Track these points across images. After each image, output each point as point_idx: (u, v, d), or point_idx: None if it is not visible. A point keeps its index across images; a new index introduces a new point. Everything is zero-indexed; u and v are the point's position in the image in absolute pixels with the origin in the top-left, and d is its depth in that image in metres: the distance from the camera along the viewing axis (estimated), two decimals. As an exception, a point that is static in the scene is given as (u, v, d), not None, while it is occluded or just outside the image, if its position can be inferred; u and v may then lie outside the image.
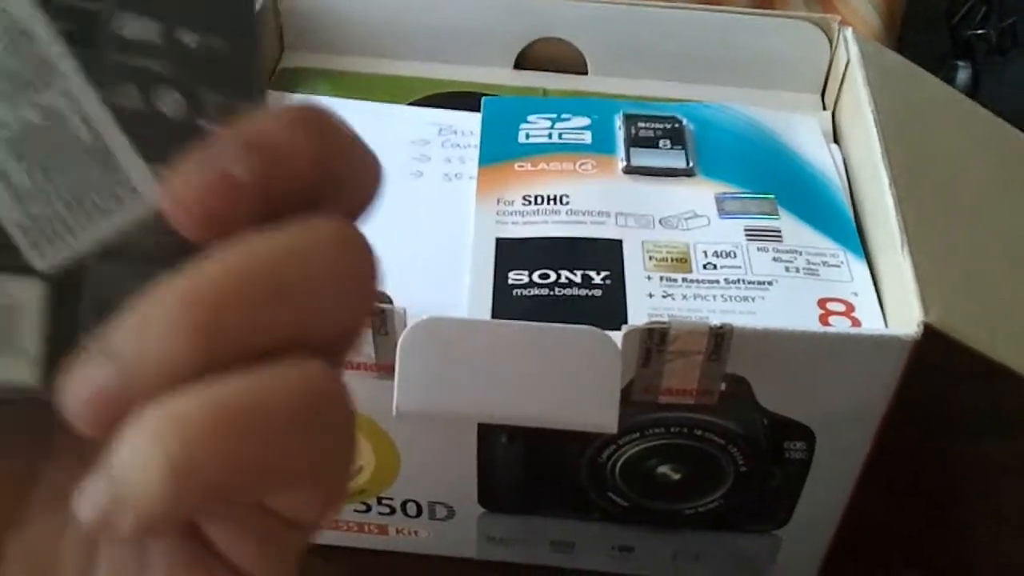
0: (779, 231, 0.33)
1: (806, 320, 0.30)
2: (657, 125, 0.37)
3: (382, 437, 0.32)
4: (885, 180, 0.32)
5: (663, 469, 0.32)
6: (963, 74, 0.75)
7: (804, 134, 0.37)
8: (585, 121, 0.37)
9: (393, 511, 0.35)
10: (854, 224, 0.34)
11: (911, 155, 0.34)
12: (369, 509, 0.35)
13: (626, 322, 0.30)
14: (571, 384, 0.28)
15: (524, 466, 0.33)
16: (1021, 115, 0.76)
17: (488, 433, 0.32)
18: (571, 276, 0.31)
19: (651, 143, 0.36)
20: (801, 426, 0.31)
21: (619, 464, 0.32)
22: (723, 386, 0.29)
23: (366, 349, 0.29)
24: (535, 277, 0.32)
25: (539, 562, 0.37)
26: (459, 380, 0.28)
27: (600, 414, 0.28)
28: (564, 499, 0.34)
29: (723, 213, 0.34)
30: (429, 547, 0.37)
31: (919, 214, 0.32)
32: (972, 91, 0.74)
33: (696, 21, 0.41)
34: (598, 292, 0.31)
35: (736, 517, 0.34)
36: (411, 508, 0.35)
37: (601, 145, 0.36)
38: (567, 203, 0.34)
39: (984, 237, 0.34)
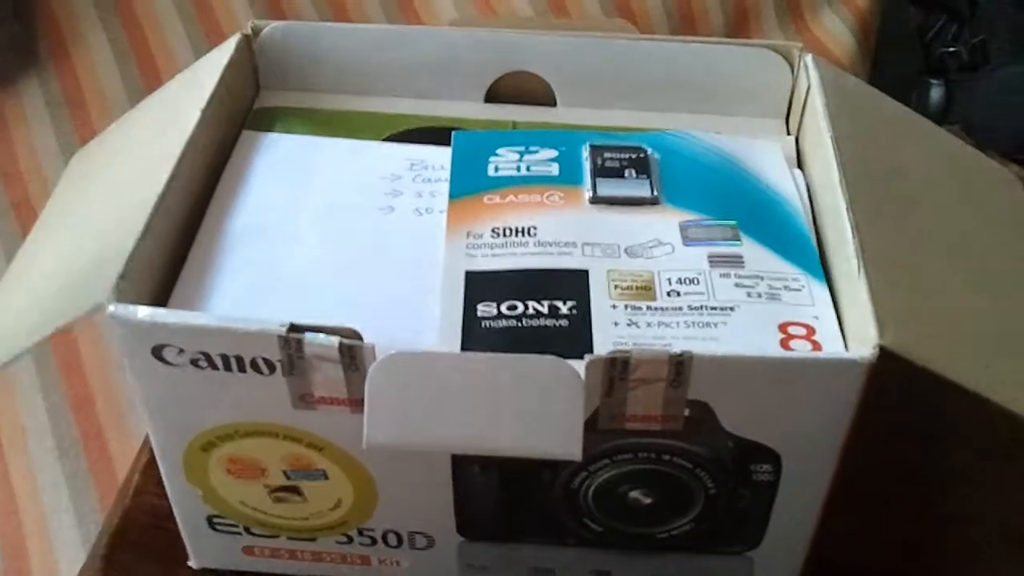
0: (741, 257, 0.34)
1: (768, 344, 0.31)
2: (623, 155, 0.37)
3: (359, 469, 0.33)
4: (842, 204, 0.33)
5: (634, 494, 0.33)
6: (936, 91, 0.76)
7: (767, 160, 0.38)
8: (553, 153, 0.38)
9: (374, 542, 0.36)
10: (815, 248, 0.35)
11: (870, 178, 0.35)
12: (350, 540, 0.36)
13: (592, 351, 0.31)
14: (536, 413, 0.28)
15: (499, 495, 0.34)
16: (993, 130, 0.77)
17: (462, 463, 0.32)
18: (538, 307, 0.32)
19: (617, 173, 0.37)
20: (766, 448, 0.31)
21: (591, 490, 0.33)
22: (687, 412, 0.30)
23: (338, 385, 0.30)
24: (503, 308, 0.32)
25: (519, 588, 0.37)
26: (427, 412, 0.29)
27: (564, 443, 0.28)
28: (541, 526, 0.35)
29: (687, 240, 0.35)
30: (411, 576, 0.37)
31: (877, 237, 0.32)
32: (946, 108, 0.75)
33: (661, 51, 0.42)
34: (565, 322, 0.32)
35: (709, 539, 0.34)
36: (392, 539, 0.36)
37: (568, 176, 0.37)
38: (535, 234, 0.35)
39: (942, 258, 0.34)
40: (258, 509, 0.35)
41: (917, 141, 0.40)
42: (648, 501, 0.33)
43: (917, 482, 0.42)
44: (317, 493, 0.34)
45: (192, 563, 0.38)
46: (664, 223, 0.35)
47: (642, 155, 0.37)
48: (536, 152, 0.38)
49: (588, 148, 0.38)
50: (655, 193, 0.36)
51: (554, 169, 0.37)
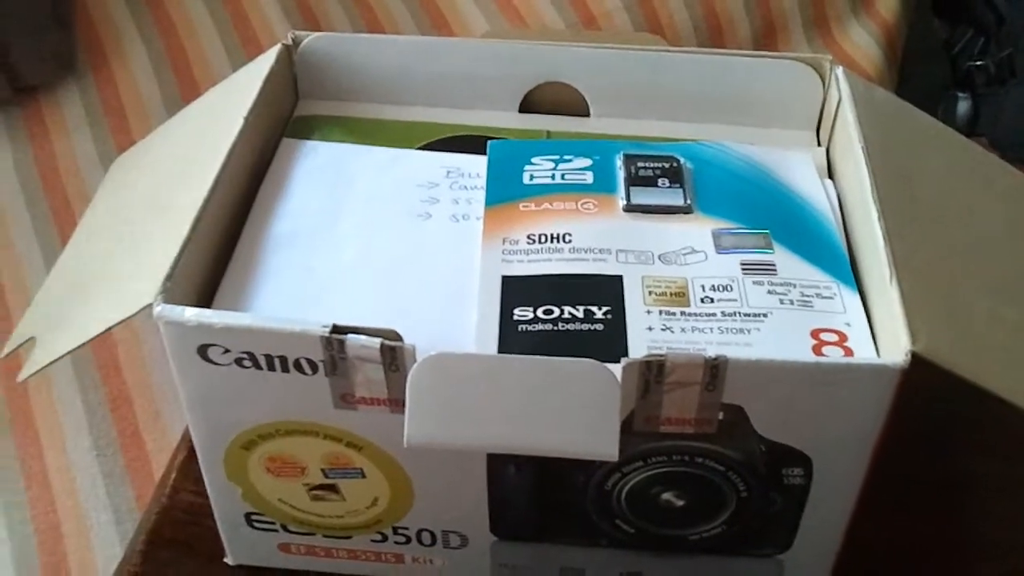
0: (774, 265, 0.34)
1: (800, 350, 0.32)
2: (656, 164, 0.38)
3: (396, 468, 0.34)
4: (874, 214, 0.33)
5: (667, 496, 0.33)
6: (963, 105, 0.77)
7: (798, 170, 0.39)
8: (587, 162, 0.39)
9: (408, 540, 0.37)
10: (847, 257, 0.35)
11: (900, 189, 0.36)
12: (385, 539, 0.37)
13: (626, 355, 0.31)
14: (573, 415, 0.29)
15: (533, 495, 0.34)
16: (1020, 143, 0.77)
17: (497, 463, 0.33)
18: (574, 311, 0.33)
19: (650, 182, 0.37)
20: (798, 452, 0.32)
21: (624, 492, 0.33)
22: (721, 415, 0.30)
23: (379, 385, 0.31)
24: (539, 312, 0.33)
25: (550, 589, 0.38)
26: (467, 412, 0.29)
27: (601, 443, 0.29)
28: (573, 526, 0.35)
29: (720, 248, 0.35)
30: (444, 575, 0.38)
31: (908, 246, 0.33)
32: (972, 121, 0.75)
33: (693, 63, 0.42)
34: (600, 326, 0.32)
35: (740, 542, 0.35)
36: (426, 537, 0.36)
37: (602, 184, 0.38)
38: (570, 241, 0.35)
39: (972, 267, 0.35)
40: (296, 507, 0.36)
41: (947, 153, 0.41)
42: (680, 503, 0.34)
43: (941, 487, 0.43)
44: (354, 491, 0.35)
45: (228, 560, 0.39)
46: (697, 231, 0.36)
47: (675, 164, 0.38)
48: (570, 161, 0.39)
49: (622, 157, 0.38)
50: (688, 202, 0.37)
51: (588, 177, 0.38)
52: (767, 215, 0.36)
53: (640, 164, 0.38)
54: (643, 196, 0.37)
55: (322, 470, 0.34)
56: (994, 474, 0.43)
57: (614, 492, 0.33)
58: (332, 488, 0.35)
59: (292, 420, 0.33)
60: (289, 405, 0.32)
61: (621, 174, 0.38)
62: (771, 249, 0.35)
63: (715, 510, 0.34)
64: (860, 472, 0.32)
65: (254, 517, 0.37)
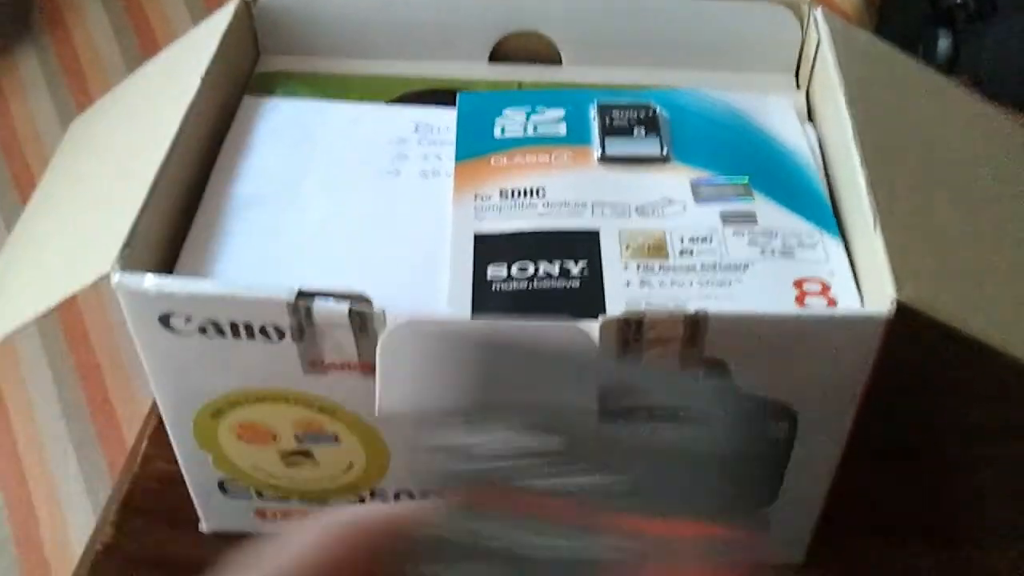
0: (754, 214, 0.33)
1: (783, 301, 0.31)
2: (631, 113, 0.37)
3: (371, 433, 0.33)
4: (856, 159, 0.32)
5: (648, 454, 0.33)
6: (943, 42, 0.75)
7: (778, 115, 0.38)
8: (560, 112, 0.37)
9: (387, 502, 0.36)
10: (829, 204, 0.34)
11: (883, 132, 0.35)
12: (363, 502, 0.36)
13: (604, 311, 0.30)
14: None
15: (512, 457, 0.33)
16: (1001, 80, 0.76)
17: (474, 426, 0.32)
18: (549, 268, 0.32)
19: (625, 131, 0.36)
20: (782, 406, 0.31)
21: (605, 451, 0.33)
22: (703, 370, 0.30)
23: (348, 350, 0.30)
24: (514, 270, 0.32)
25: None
26: (439, 378, 0.28)
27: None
28: (553, 487, 0.34)
29: (698, 199, 0.34)
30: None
31: (891, 192, 0.32)
32: (953, 58, 0.74)
33: (668, 8, 0.41)
34: (576, 283, 0.31)
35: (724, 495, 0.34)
36: (405, 499, 0.36)
37: (576, 136, 0.36)
38: (543, 195, 0.34)
39: (957, 212, 0.34)
40: (270, 473, 0.35)
41: (929, 95, 0.40)
42: (662, 461, 0.33)
43: (933, 435, 0.42)
44: (329, 457, 0.34)
45: (203, 527, 0.38)
46: (675, 181, 0.35)
47: (651, 113, 0.37)
48: (543, 112, 0.38)
49: (596, 107, 0.37)
50: (665, 151, 0.36)
51: (561, 129, 0.37)
52: (746, 162, 0.35)
53: (615, 113, 0.37)
54: (618, 146, 0.36)
55: (295, 436, 0.33)
56: (985, 421, 0.43)
57: (595, 451, 0.33)
58: (306, 454, 0.34)
59: (261, 387, 0.32)
60: (257, 372, 0.31)
61: (595, 124, 0.37)
62: (751, 198, 0.34)
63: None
64: (845, 424, 0.32)
65: (227, 484, 0.36)
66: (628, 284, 0.31)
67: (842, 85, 0.35)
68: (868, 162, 0.32)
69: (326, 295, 0.29)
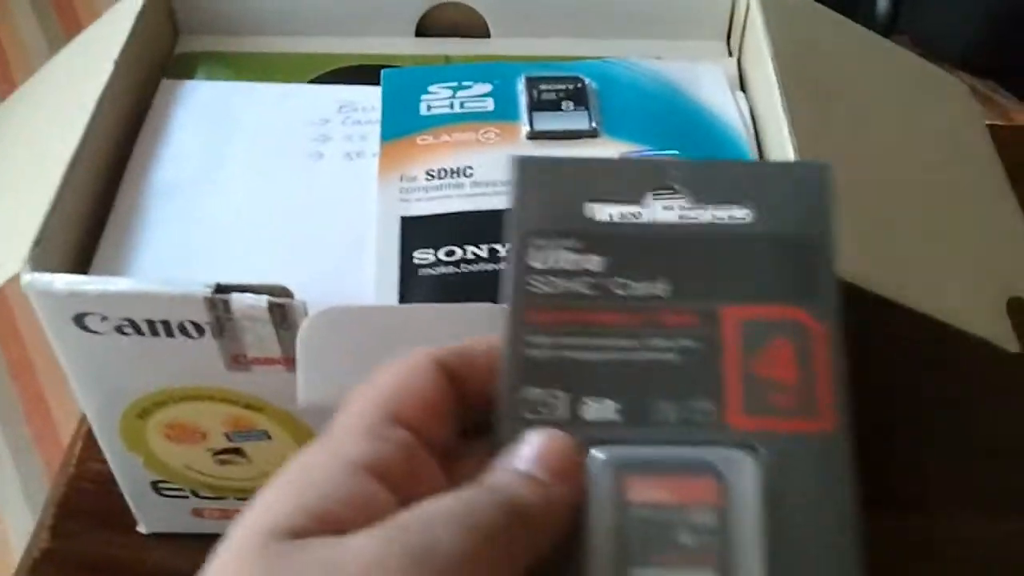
0: None
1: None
2: (559, 86, 0.36)
3: (301, 427, 0.32)
4: (784, 128, 0.32)
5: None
6: (883, 2, 0.75)
7: (708, 84, 0.37)
8: (487, 88, 0.36)
9: (324, 497, 0.35)
10: None
11: (813, 98, 0.34)
12: (300, 497, 0.35)
13: (533, 294, 0.30)
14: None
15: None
16: (940, 39, 0.76)
17: (407, 415, 0.32)
18: (477, 251, 0.31)
19: (554, 106, 0.35)
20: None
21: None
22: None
23: (270, 344, 0.29)
24: (441, 255, 0.31)
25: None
26: (363, 368, 0.28)
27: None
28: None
29: None
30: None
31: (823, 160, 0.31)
32: (893, 17, 0.74)
33: (596, -25, 0.40)
34: (504, 266, 0.31)
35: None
36: (342, 493, 0.35)
37: (504, 111, 0.36)
38: (471, 175, 0.33)
39: (891, 178, 0.34)
40: (203, 472, 0.34)
41: (866, 57, 0.39)
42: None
43: (886, 404, 0.42)
44: (261, 453, 0.33)
45: (141, 528, 0.38)
46: (604, 156, 0.34)
47: (579, 85, 0.36)
48: (469, 87, 0.37)
49: (523, 80, 0.36)
50: (594, 125, 0.35)
51: (489, 104, 0.36)
52: (676, 134, 0.35)
53: (543, 87, 0.36)
54: (547, 121, 0.35)
55: (224, 434, 0.33)
56: (935, 386, 0.43)
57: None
58: (238, 451, 0.33)
59: (185, 386, 0.31)
60: (179, 371, 0.30)
61: (523, 99, 0.36)
62: None
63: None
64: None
65: (161, 485, 0.35)
66: None
67: (771, 51, 0.35)
68: (797, 131, 0.32)
69: (244, 289, 0.28)
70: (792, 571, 0.20)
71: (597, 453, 0.21)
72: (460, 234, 0.32)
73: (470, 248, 0.31)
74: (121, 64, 0.35)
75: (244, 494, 0.35)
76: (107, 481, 0.38)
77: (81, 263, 0.32)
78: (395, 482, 0.21)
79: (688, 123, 0.35)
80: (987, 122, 0.41)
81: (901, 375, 0.43)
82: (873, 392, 0.42)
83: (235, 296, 0.28)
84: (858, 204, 0.31)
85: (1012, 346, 0.30)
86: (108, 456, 0.34)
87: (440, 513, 0.20)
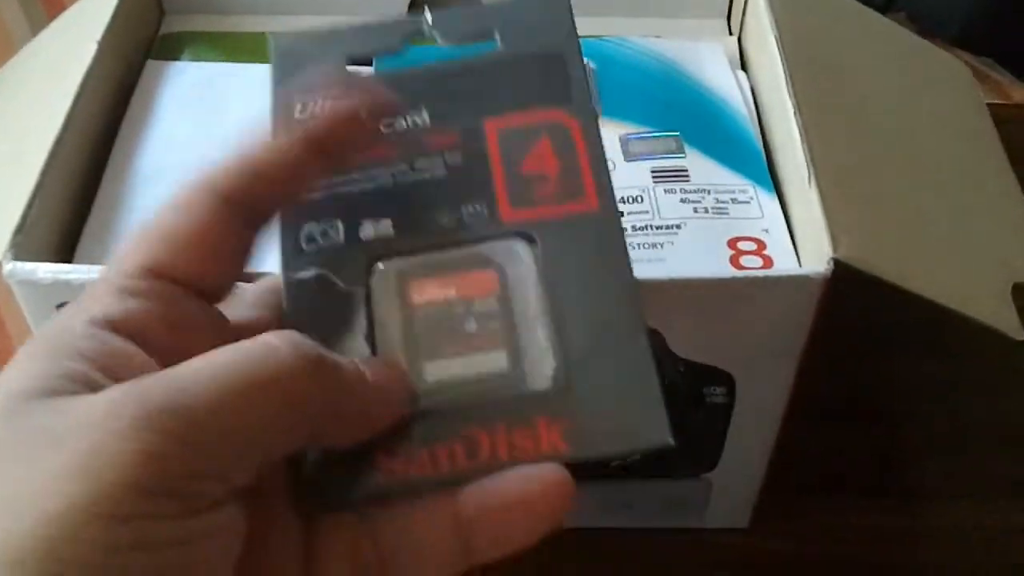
0: (686, 170, 0.32)
1: (717, 262, 0.30)
2: None
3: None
4: (790, 109, 0.31)
5: (585, 425, 0.32)
6: (881, -21, 0.74)
7: (709, 63, 0.36)
8: None
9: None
10: (763, 155, 0.33)
11: (818, 79, 0.33)
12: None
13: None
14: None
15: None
16: (939, 16, 0.75)
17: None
18: None
19: None
20: (719, 371, 0.30)
21: (540, 424, 0.31)
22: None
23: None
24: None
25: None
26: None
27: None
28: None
29: (629, 156, 0.33)
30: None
31: (826, 142, 0.31)
32: (889, -2, 0.73)
33: (593, -49, 0.39)
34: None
35: (665, 464, 0.33)
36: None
37: None
38: None
39: (894, 159, 0.33)
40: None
41: (865, 36, 0.38)
42: (600, 431, 0.32)
43: (885, 391, 0.42)
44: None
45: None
46: (604, 138, 0.33)
47: None
48: None
49: None
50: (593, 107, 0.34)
51: None
52: (677, 115, 0.34)
53: None
54: None
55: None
56: (936, 373, 0.42)
57: (530, 425, 0.31)
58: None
59: (174, 376, 0.30)
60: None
61: None
62: (682, 153, 0.32)
63: (637, 435, 0.32)
64: (785, 386, 0.31)
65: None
66: None
67: (774, 30, 0.34)
68: (802, 112, 0.31)
69: (234, 278, 0.27)
70: (579, 337, 0.21)
71: (379, 265, 0.22)
72: None
73: None
74: (105, 45, 0.34)
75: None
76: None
77: (65, 250, 0.31)
78: (152, 339, 0.19)
79: (689, 103, 0.34)
80: (986, 101, 0.40)
81: (899, 361, 0.42)
82: (871, 379, 0.41)
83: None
84: (861, 187, 0.31)
85: (1018, 333, 0.29)
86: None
87: (193, 367, 0.18)
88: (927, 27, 0.64)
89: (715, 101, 0.34)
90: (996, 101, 0.61)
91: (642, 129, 0.33)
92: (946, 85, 0.39)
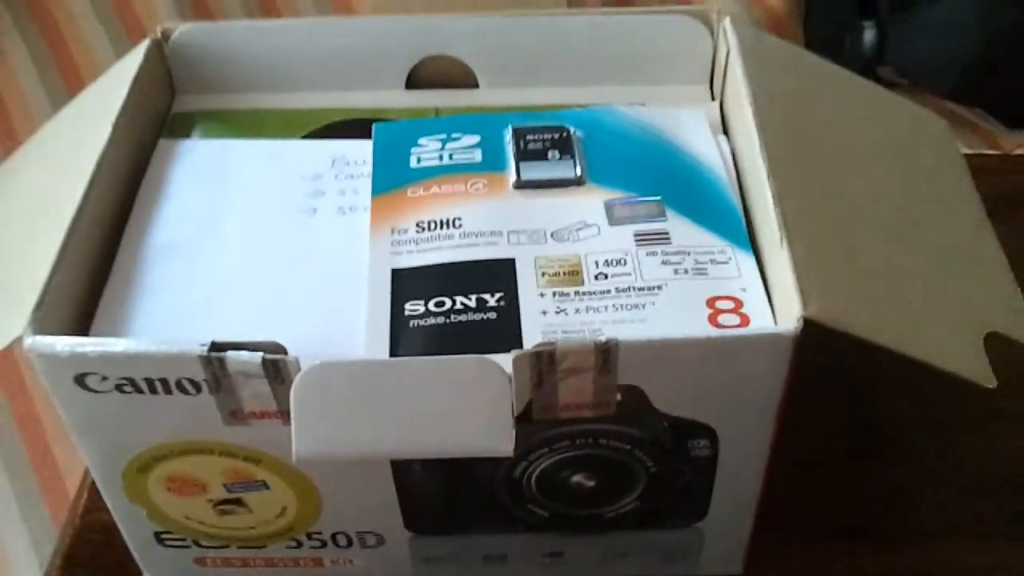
0: (667, 233, 0.34)
1: (696, 321, 0.31)
2: (545, 136, 0.37)
3: (299, 477, 0.33)
4: (763, 172, 0.33)
5: (577, 478, 0.33)
6: (869, 33, 0.76)
7: (691, 129, 0.38)
8: (475, 139, 0.37)
9: (324, 544, 0.36)
10: (741, 217, 0.34)
11: (792, 142, 0.35)
12: (300, 545, 0.36)
13: (520, 342, 0.31)
14: (463, 413, 0.28)
15: (443, 489, 0.34)
16: (927, 70, 0.77)
17: (401, 463, 0.32)
18: (466, 301, 0.32)
19: (540, 155, 0.36)
20: (701, 424, 0.31)
21: (534, 478, 0.33)
22: (619, 396, 0.30)
23: (266, 399, 0.30)
24: (431, 306, 0.32)
25: (475, 576, 0.37)
26: (355, 420, 0.28)
27: (495, 439, 0.28)
28: (488, 516, 0.35)
29: (612, 220, 0.34)
30: (366, 573, 0.37)
31: (799, 203, 0.32)
32: (879, 49, 0.75)
33: (581, 25, 0.41)
34: (493, 315, 0.32)
35: (656, 515, 0.35)
36: (341, 539, 0.36)
37: (491, 162, 0.36)
38: (460, 226, 0.34)
39: (867, 218, 0.34)
40: (204, 522, 0.35)
41: (840, 97, 0.40)
42: (591, 484, 0.33)
43: (862, 434, 0.43)
44: (260, 503, 0.34)
45: (146, 579, 0.38)
46: (590, 203, 0.35)
47: (565, 135, 0.37)
48: (458, 139, 0.38)
49: (510, 131, 0.37)
50: (579, 172, 0.36)
51: (477, 156, 0.37)
52: (660, 180, 0.36)
53: (529, 137, 0.37)
54: (533, 171, 0.36)
55: (224, 485, 0.33)
56: (912, 416, 0.43)
57: (524, 479, 0.33)
58: (238, 502, 0.34)
59: (184, 440, 0.32)
60: (178, 426, 0.31)
61: (510, 149, 0.37)
62: (664, 217, 0.34)
63: (626, 487, 0.33)
64: (766, 435, 0.32)
65: (164, 535, 0.36)
66: (544, 313, 0.32)
67: (749, 95, 0.35)
68: (775, 175, 0.33)
69: (238, 347, 0.29)
70: None
71: None
72: (449, 284, 0.33)
73: (459, 298, 0.32)
74: (119, 126, 0.36)
75: (245, 542, 0.36)
76: (112, 532, 0.39)
77: (81, 323, 0.33)
78: None
79: (671, 167, 0.36)
80: (975, 151, 0.42)
81: (882, 400, 0.43)
82: (855, 418, 0.43)
83: (230, 354, 0.29)
84: (834, 245, 0.32)
85: (990, 382, 0.30)
86: (111, 508, 0.35)
87: None
88: (917, 80, 0.66)
89: (696, 166, 0.36)
90: (986, 151, 0.63)
91: (626, 194, 0.35)
92: (922, 140, 0.41)
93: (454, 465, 0.32)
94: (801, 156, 0.35)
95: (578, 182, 0.36)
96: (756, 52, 0.38)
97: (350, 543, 0.36)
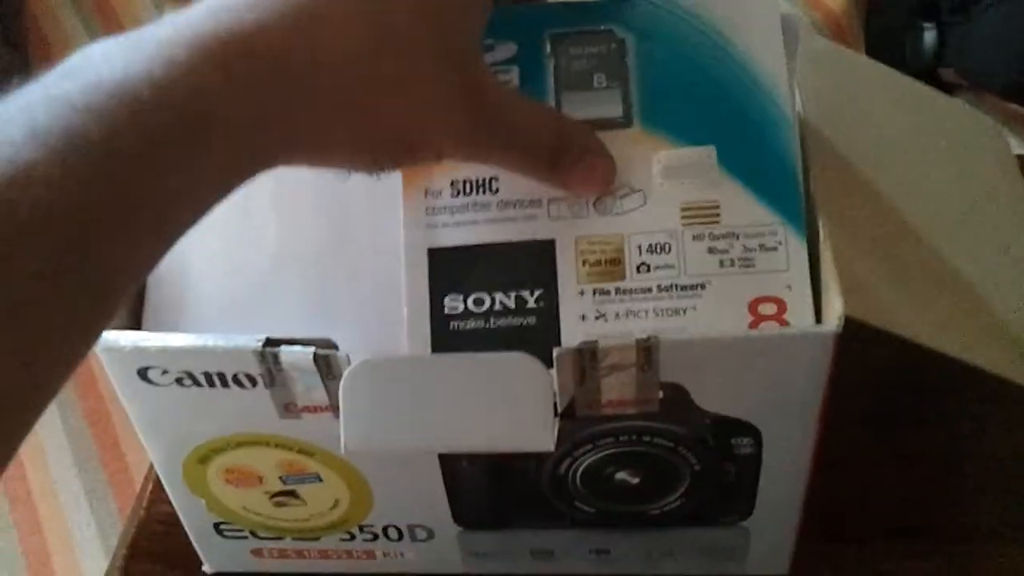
0: (717, 207, 0.32)
1: (737, 326, 0.31)
2: (591, 48, 0.34)
3: (351, 471, 0.34)
4: (800, 169, 0.32)
5: (621, 475, 0.33)
6: (929, 35, 0.75)
7: (758, 31, 0.34)
8: (511, 50, 0.34)
9: (376, 537, 0.37)
10: (797, 175, 0.32)
11: (836, 140, 0.35)
12: (353, 538, 0.37)
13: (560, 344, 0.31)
14: (506, 410, 0.29)
15: (490, 485, 0.34)
16: (987, 71, 0.76)
17: (449, 458, 0.33)
18: (505, 300, 0.32)
19: (584, 79, 0.33)
20: (745, 423, 0.32)
21: (578, 474, 0.33)
22: (661, 393, 0.30)
23: (318, 393, 0.31)
24: (471, 304, 0.32)
25: (523, 571, 0.38)
26: (402, 415, 0.29)
27: (537, 436, 0.29)
28: (535, 511, 0.35)
29: (660, 183, 0.32)
30: (417, 566, 0.38)
31: (842, 201, 0.32)
32: (939, 51, 0.74)
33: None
34: (532, 319, 0.32)
35: (701, 512, 0.35)
36: (392, 533, 0.37)
37: (530, 84, 0.33)
38: (497, 191, 0.32)
39: (912, 217, 0.34)
40: (260, 514, 0.36)
41: (888, 97, 0.40)
42: (635, 481, 0.34)
43: (911, 431, 0.43)
44: (314, 496, 0.35)
45: (206, 568, 0.40)
46: (635, 159, 0.32)
47: (613, 46, 0.33)
48: (492, 48, 0.34)
49: (549, 42, 0.33)
50: (627, 105, 0.33)
51: (514, 77, 0.33)
52: (716, 117, 0.32)
53: (572, 51, 0.33)
54: (576, 105, 0.33)
55: (279, 478, 0.35)
56: (963, 413, 0.43)
57: (568, 476, 0.33)
58: (292, 494, 0.35)
59: (241, 432, 0.33)
60: (235, 418, 0.32)
61: (550, 71, 0.33)
62: (715, 180, 0.32)
63: (671, 484, 0.34)
64: (810, 434, 0.32)
65: (222, 526, 0.37)
66: (583, 318, 0.31)
67: (797, 97, 0.35)
68: (819, 168, 0.32)
69: (292, 342, 0.30)
70: None
71: None
72: (487, 272, 0.32)
73: (498, 296, 0.32)
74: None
75: (299, 534, 0.37)
76: (175, 523, 0.40)
77: (133, 317, 0.34)
78: None
79: (729, 98, 0.33)
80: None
81: (930, 399, 0.43)
82: (902, 418, 0.42)
83: (284, 349, 0.30)
84: (877, 243, 0.32)
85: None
86: (173, 499, 0.36)
87: None
88: (976, 81, 0.65)
89: (758, 94, 0.33)
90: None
91: (676, 144, 0.32)
92: (973, 140, 0.41)
93: (500, 461, 0.33)
94: (845, 154, 0.35)
95: (625, 123, 0.33)
96: (805, 53, 0.38)
97: (401, 536, 0.37)
